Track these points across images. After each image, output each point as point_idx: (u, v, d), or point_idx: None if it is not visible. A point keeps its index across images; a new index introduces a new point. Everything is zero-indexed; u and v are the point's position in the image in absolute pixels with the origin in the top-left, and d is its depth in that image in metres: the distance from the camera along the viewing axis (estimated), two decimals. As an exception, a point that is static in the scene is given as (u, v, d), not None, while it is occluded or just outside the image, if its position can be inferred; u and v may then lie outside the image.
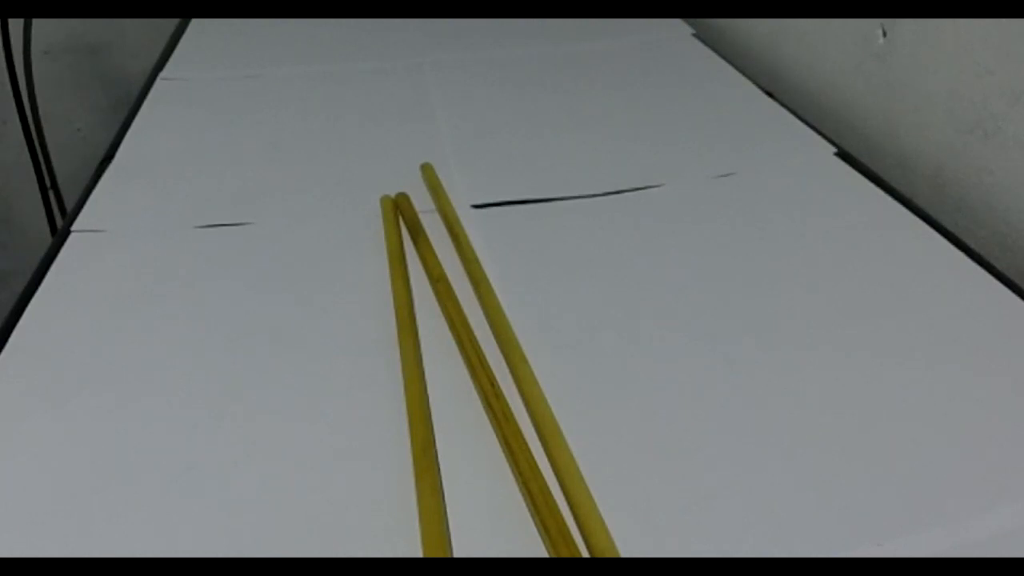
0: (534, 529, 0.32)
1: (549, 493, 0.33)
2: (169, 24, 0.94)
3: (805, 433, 0.37)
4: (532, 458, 0.35)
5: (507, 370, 0.40)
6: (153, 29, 1.15)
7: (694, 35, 0.82)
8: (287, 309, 0.45)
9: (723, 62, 0.76)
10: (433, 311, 0.45)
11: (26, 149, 1.20)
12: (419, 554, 0.31)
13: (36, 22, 1.17)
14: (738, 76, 0.73)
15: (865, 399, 0.39)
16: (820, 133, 0.62)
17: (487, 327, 0.43)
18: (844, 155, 0.59)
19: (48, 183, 1.20)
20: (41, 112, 1.22)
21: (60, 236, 0.52)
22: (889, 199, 0.54)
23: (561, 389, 0.39)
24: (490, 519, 0.33)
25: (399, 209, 0.53)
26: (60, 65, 1.22)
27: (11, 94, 1.17)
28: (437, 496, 0.33)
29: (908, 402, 0.38)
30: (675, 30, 0.84)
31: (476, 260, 0.47)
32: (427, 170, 0.57)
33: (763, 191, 0.55)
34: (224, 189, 0.57)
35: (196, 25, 0.90)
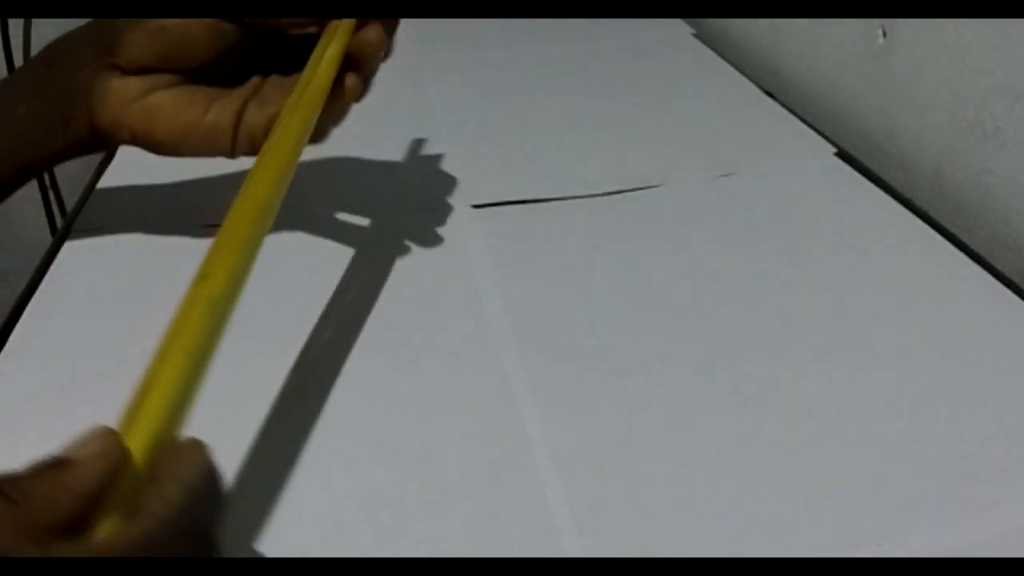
0: (533, 527, 0.32)
1: None
2: (169, 24, 0.93)
3: (805, 433, 0.37)
4: None
5: None
6: (153, 29, 1.15)
7: (694, 35, 0.82)
8: (285, 308, 0.45)
9: (723, 62, 0.76)
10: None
11: (26, 149, 1.20)
12: (418, 553, 0.31)
13: (36, 22, 1.17)
14: (738, 76, 0.73)
15: (865, 399, 0.39)
16: (820, 133, 0.62)
17: None
18: (844, 155, 0.59)
19: (48, 183, 1.20)
20: (41, 112, 1.22)
21: (60, 236, 0.51)
22: (889, 199, 0.54)
23: (560, 389, 0.39)
24: (491, 518, 0.33)
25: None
26: (60, 65, 1.22)
27: (11, 94, 1.17)
28: None
29: (908, 402, 0.38)
30: (675, 30, 0.83)
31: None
32: None
33: (763, 191, 0.55)
34: (224, 189, 0.57)
35: (196, 25, 0.90)
